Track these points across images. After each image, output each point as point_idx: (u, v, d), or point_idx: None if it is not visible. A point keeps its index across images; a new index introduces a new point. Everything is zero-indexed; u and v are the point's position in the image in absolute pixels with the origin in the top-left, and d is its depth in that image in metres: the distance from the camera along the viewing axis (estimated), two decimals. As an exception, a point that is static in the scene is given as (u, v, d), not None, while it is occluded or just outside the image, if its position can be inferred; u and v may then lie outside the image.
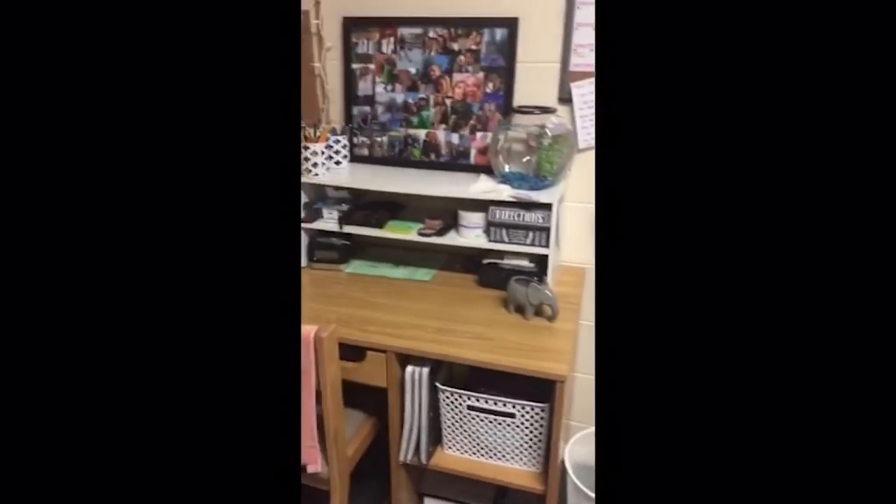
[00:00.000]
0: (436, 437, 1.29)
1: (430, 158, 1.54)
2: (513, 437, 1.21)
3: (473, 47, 1.42)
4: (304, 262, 1.54)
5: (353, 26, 1.50)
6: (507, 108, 1.42)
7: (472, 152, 1.50)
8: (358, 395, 1.28)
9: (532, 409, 1.16)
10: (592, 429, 1.48)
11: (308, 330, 1.06)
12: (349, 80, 1.54)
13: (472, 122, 1.48)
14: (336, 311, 1.30)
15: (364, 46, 1.51)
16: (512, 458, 1.24)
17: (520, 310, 1.28)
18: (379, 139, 1.57)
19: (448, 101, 1.48)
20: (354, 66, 1.53)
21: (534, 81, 1.40)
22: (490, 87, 1.44)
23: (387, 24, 1.47)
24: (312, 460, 1.14)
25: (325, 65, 1.56)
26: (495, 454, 1.25)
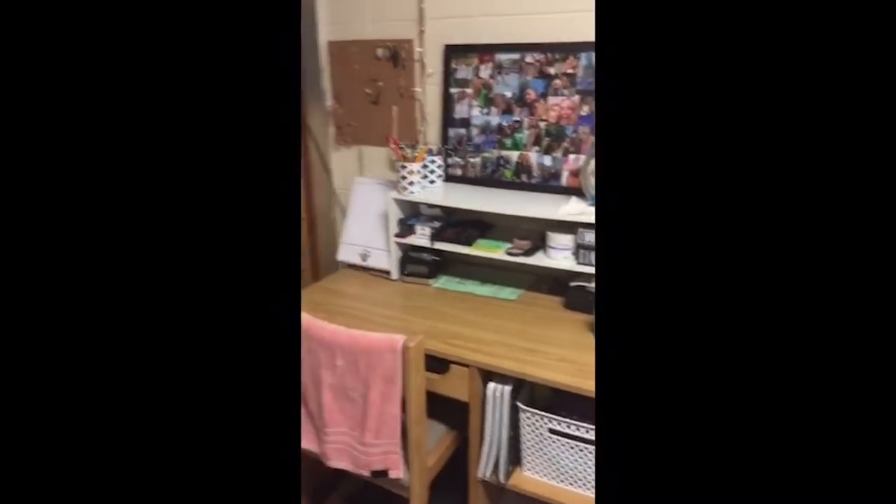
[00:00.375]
0: (515, 457, 1.28)
1: (522, 179, 1.56)
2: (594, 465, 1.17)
3: (570, 71, 1.43)
4: (395, 274, 1.62)
5: (453, 53, 1.58)
6: (602, 131, 1.41)
7: (564, 174, 1.50)
8: (440, 408, 1.32)
9: (616, 439, 1.13)
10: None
11: (396, 339, 1.12)
12: (447, 103, 1.62)
13: (565, 144, 1.48)
14: (423, 322, 1.35)
15: (463, 72, 1.57)
16: (593, 486, 1.20)
17: (607, 335, 1.25)
18: (472, 160, 1.62)
19: (542, 124, 1.50)
20: (453, 90, 1.60)
21: (631, 104, 1.39)
22: (585, 110, 1.44)
23: (486, 51, 1.53)
24: (394, 466, 1.19)
25: (425, 89, 1.65)
26: (576, 481, 1.22)
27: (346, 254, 1.71)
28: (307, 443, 1.29)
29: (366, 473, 1.21)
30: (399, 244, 1.59)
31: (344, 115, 1.81)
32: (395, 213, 1.58)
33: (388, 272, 1.63)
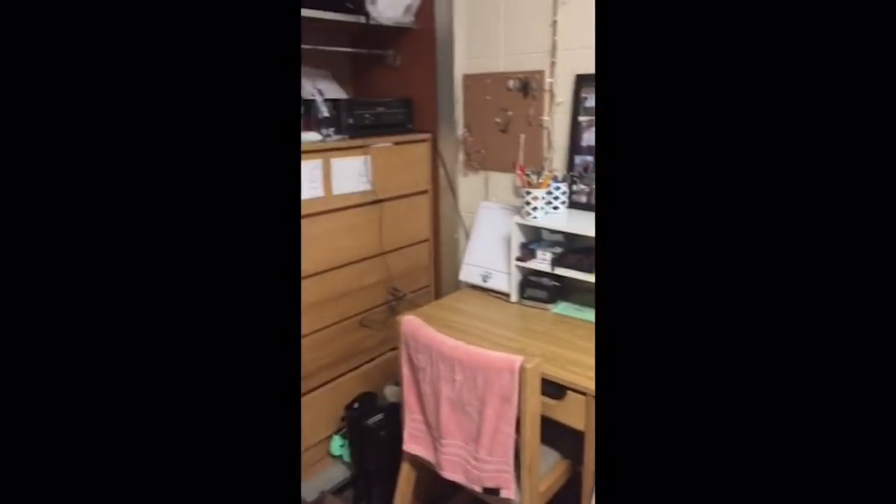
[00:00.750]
0: (631, 497, 1.22)
1: (650, 208, 1.52)
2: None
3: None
4: (515, 297, 1.65)
5: (584, 82, 1.60)
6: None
7: (698, 204, 1.43)
8: (555, 435, 1.31)
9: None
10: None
11: (514, 359, 1.14)
12: (574, 131, 1.63)
13: (700, 172, 1.42)
14: (541, 346, 1.36)
15: (592, 100, 1.58)
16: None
17: (742, 377, 1.16)
18: (598, 187, 1.61)
19: (675, 152, 1.45)
20: (581, 118, 1.61)
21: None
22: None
23: (617, 79, 1.53)
24: (506, 485, 1.20)
25: (553, 118, 1.69)
26: (699, 533, 1.13)
27: (467, 274, 1.78)
28: (423, 451, 1.35)
29: (478, 489, 1.24)
30: (520, 268, 1.63)
31: (474, 143, 1.91)
32: (518, 238, 1.62)
33: (507, 295, 1.66)
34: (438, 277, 2.05)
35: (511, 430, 1.17)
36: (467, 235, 1.97)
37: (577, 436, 1.23)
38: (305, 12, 1.54)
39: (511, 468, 1.19)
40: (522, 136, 1.76)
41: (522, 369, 1.13)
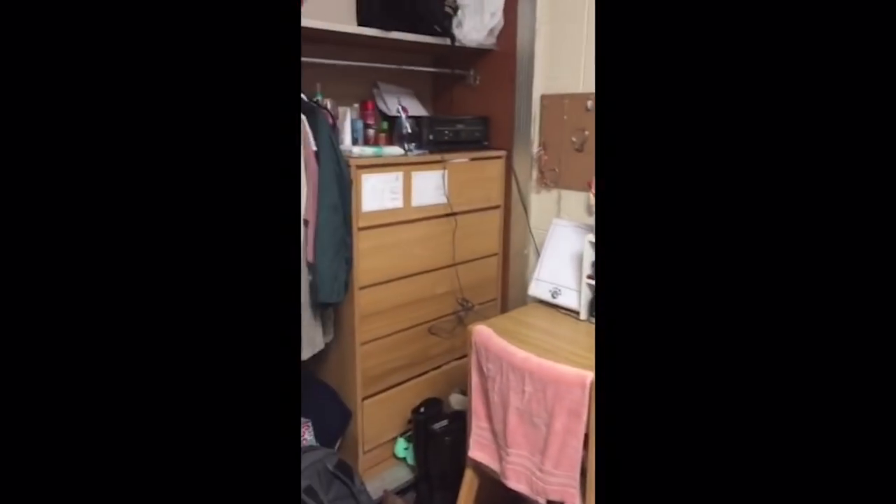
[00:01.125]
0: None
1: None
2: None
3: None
4: (584, 315, 1.65)
5: (664, 104, 1.60)
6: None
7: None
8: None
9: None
10: None
11: (585, 374, 1.16)
12: (653, 152, 1.63)
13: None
14: (611, 366, 1.36)
15: (673, 122, 1.58)
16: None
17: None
18: (675, 209, 1.60)
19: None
20: (660, 139, 1.61)
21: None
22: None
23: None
24: (571, 500, 1.21)
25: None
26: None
27: (536, 289, 1.81)
28: (488, 459, 1.39)
29: (542, 501, 1.25)
30: (591, 286, 1.63)
31: (548, 161, 1.94)
32: (590, 255, 1.63)
33: (577, 312, 1.67)
34: (505, 291, 2.08)
35: (579, 445, 1.18)
36: (537, 251, 1.99)
37: (646, 458, 1.22)
38: (396, 35, 1.65)
39: (577, 483, 1.20)
40: (598, 156, 1.77)
41: (593, 385, 1.14)
